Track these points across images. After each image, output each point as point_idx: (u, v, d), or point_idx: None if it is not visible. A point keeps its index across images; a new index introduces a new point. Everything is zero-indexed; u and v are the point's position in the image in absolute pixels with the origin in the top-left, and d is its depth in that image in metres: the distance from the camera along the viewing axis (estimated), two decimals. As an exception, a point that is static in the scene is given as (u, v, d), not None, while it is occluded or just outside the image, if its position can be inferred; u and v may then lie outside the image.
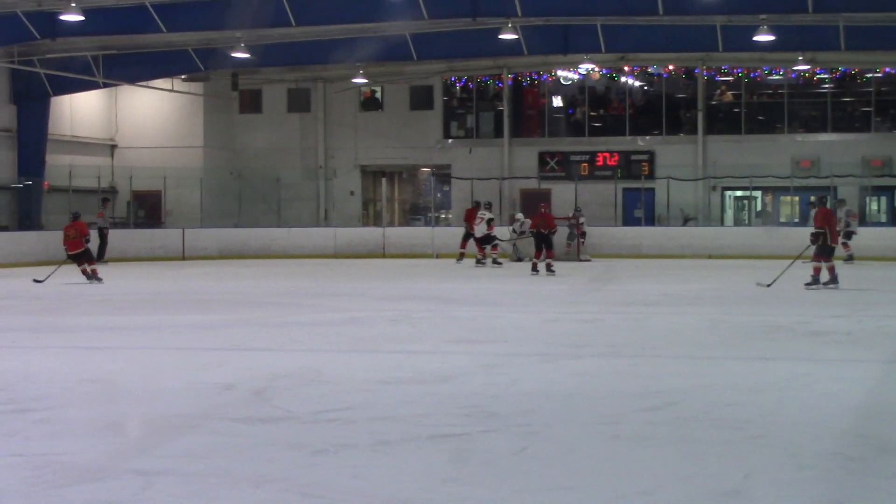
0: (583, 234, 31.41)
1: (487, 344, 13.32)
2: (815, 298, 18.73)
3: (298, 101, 42.42)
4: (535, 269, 25.09)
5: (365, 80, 40.11)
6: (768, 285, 20.03)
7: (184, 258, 34.17)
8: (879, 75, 37.67)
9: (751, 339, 13.59)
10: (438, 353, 12.52)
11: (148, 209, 39.39)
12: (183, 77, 39.88)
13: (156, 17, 30.47)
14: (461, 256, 30.80)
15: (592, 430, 8.06)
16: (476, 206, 31.08)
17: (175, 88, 40.30)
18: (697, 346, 13.17)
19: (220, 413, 8.85)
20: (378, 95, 42.58)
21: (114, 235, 32.40)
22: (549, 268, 24.87)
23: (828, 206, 22.20)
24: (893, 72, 37.41)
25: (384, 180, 40.41)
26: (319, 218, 40.75)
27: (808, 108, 38.63)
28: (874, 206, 36.17)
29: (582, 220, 31.75)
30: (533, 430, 8.08)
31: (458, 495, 6.39)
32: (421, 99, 41.28)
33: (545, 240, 25.46)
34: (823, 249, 20.33)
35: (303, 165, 41.88)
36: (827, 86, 38.25)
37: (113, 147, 41.24)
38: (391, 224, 39.47)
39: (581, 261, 30.43)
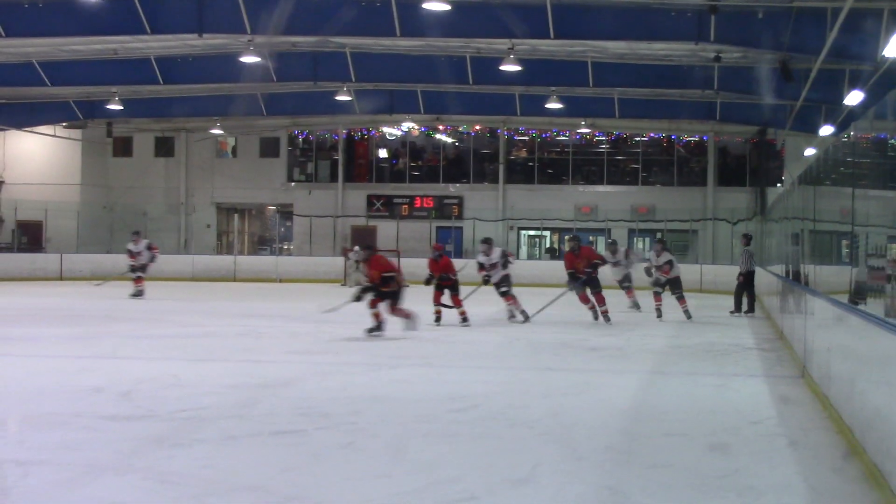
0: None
1: (321, 355, 13.26)
2: (592, 321, 18.82)
3: (164, 147, 41.78)
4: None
5: (221, 132, 39.87)
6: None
7: (61, 279, 33.14)
8: (645, 139, 38.99)
9: (540, 353, 13.75)
10: (280, 363, 12.38)
11: (30, 236, 38.24)
12: (64, 124, 39.12)
13: (41, 73, 29.65)
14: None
15: (409, 428, 8.04)
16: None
17: (57, 134, 39.55)
18: (496, 358, 13.30)
19: (90, 411, 8.59)
20: (232, 144, 42.16)
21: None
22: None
23: (575, 248, 19.06)
24: (656, 136, 38.71)
25: (236, 216, 40.09)
26: (180, 246, 40.04)
27: (588, 164, 39.66)
28: (640, 245, 37.09)
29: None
30: (359, 428, 8.04)
31: (294, 482, 6.31)
32: (269, 148, 41.08)
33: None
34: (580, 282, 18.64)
35: (166, 202, 41.21)
36: (604, 146, 39.42)
37: (0, 183, 40.14)
38: (241, 253, 38.99)
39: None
